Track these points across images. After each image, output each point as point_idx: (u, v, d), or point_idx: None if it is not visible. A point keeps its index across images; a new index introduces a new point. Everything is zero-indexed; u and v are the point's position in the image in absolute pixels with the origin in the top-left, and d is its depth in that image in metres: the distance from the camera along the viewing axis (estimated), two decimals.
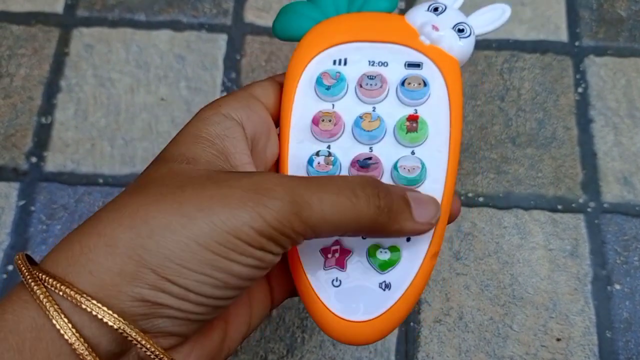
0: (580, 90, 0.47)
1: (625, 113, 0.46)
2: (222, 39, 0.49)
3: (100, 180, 0.44)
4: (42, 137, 0.45)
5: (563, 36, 0.49)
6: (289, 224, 0.22)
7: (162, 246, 0.21)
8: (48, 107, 0.46)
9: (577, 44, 0.49)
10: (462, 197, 0.44)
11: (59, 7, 0.50)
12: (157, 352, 0.22)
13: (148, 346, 0.21)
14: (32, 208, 0.43)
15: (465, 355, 0.40)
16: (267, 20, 0.49)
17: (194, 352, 0.24)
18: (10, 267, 0.42)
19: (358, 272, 0.27)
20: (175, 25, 0.49)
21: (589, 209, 0.44)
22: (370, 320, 0.27)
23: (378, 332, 0.27)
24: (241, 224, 0.21)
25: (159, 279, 0.21)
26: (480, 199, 0.44)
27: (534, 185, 0.44)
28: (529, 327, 0.40)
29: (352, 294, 0.27)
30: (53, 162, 0.45)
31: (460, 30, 0.30)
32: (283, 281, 0.29)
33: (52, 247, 0.42)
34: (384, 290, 0.27)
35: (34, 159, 0.45)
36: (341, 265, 0.27)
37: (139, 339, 0.21)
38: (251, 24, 0.49)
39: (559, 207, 0.44)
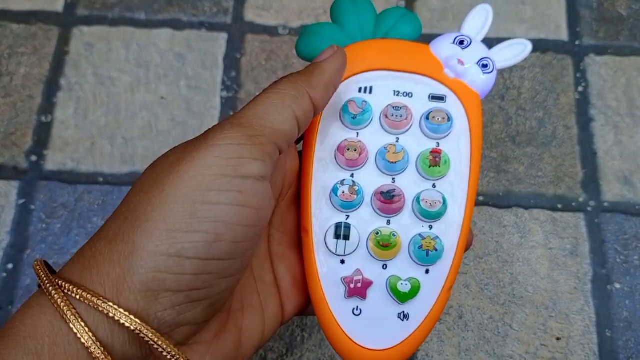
0: (580, 89, 0.47)
1: (626, 112, 0.46)
2: (222, 37, 0.49)
3: (100, 179, 0.44)
4: (42, 136, 0.45)
5: (563, 35, 0.49)
6: (242, 136, 0.23)
7: (148, 221, 0.22)
8: (48, 105, 0.46)
9: (577, 43, 0.49)
10: None
11: (59, 5, 0.50)
12: (173, 353, 0.22)
13: (165, 346, 0.22)
14: (32, 207, 0.43)
15: (465, 354, 0.40)
16: (267, 19, 0.49)
17: (209, 354, 0.25)
18: (10, 266, 0.42)
19: (378, 302, 0.28)
20: (176, 24, 0.49)
21: (589, 208, 0.44)
22: (388, 349, 0.28)
23: None
24: (202, 160, 0.22)
25: (151, 256, 0.21)
26: (480, 198, 0.44)
27: (534, 184, 0.44)
28: (528, 326, 0.40)
29: (371, 323, 0.28)
30: (53, 161, 0.45)
31: (485, 66, 0.30)
32: (294, 299, 0.29)
33: (51, 246, 0.42)
34: (403, 320, 0.28)
35: (34, 158, 0.45)
36: (363, 295, 0.28)
37: (156, 339, 0.21)
38: (251, 23, 0.49)
39: (559, 206, 0.44)
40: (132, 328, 0.21)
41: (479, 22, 0.32)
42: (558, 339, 0.40)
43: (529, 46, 0.31)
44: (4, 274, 0.41)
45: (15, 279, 0.41)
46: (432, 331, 0.40)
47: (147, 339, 0.21)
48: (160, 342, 0.22)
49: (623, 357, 0.40)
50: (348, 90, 0.30)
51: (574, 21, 0.50)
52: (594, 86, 0.47)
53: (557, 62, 0.48)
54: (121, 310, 0.21)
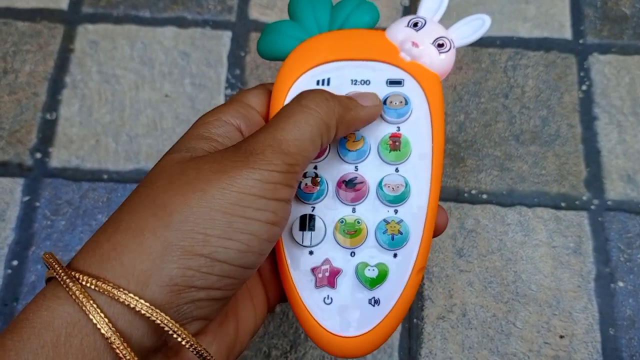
0: (584, 87, 0.47)
1: (629, 111, 0.46)
2: (226, 35, 0.49)
3: (105, 176, 0.44)
4: (47, 133, 0.46)
5: (567, 34, 0.49)
6: (282, 164, 0.24)
7: (184, 221, 0.22)
8: (53, 103, 0.46)
9: (581, 41, 0.49)
10: (466, 194, 0.44)
11: (63, 3, 0.50)
12: (192, 342, 0.23)
13: (184, 336, 0.22)
14: (37, 204, 0.44)
15: (469, 351, 0.40)
16: (271, 17, 0.49)
17: (215, 342, 0.26)
18: (15, 262, 0.42)
19: (348, 290, 0.28)
20: (180, 22, 0.49)
21: (592, 207, 0.44)
22: (361, 335, 0.28)
23: (370, 345, 0.28)
24: (244, 180, 0.23)
25: (185, 254, 0.22)
26: (484, 196, 0.44)
27: (537, 183, 0.44)
28: (532, 324, 0.40)
29: (343, 310, 0.28)
30: (58, 158, 0.45)
31: (440, 45, 0.30)
32: (273, 287, 0.30)
33: (56, 242, 0.42)
34: (374, 306, 0.28)
35: (38, 155, 0.45)
36: (332, 283, 0.28)
37: (176, 329, 0.22)
38: (255, 21, 0.49)
39: (563, 204, 0.44)
40: (153, 319, 0.21)
41: (434, 2, 0.32)
42: (561, 337, 0.40)
43: (487, 21, 0.31)
44: (9, 271, 0.42)
45: (20, 276, 0.41)
46: (436, 329, 0.40)
47: (167, 328, 0.22)
48: (180, 332, 0.22)
49: (626, 355, 0.40)
50: (306, 84, 0.30)
51: (578, 20, 0.50)
52: (597, 85, 0.47)
53: (561, 60, 0.48)
54: (142, 301, 0.21)
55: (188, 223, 0.22)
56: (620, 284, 0.42)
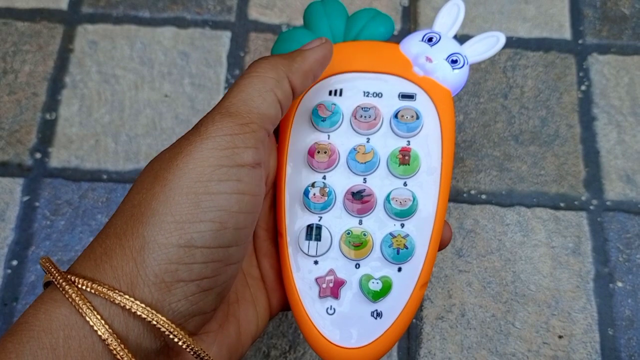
0: (583, 88, 0.47)
1: (629, 111, 0.46)
2: (226, 36, 0.49)
3: (104, 176, 0.44)
4: (47, 133, 0.46)
5: (566, 34, 0.49)
6: (233, 125, 0.24)
7: (154, 215, 0.22)
8: (52, 103, 0.47)
9: (580, 42, 0.49)
10: (465, 194, 0.44)
11: (63, 3, 0.50)
12: (188, 342, 0.23)
13: (180, 336, 0.22)
14: (37, 204, 0.44)
15: (468, 351, 0.40)
16: (271, 18, 0.49)
17: (216, 343, 0.26)
18: (15, 262, 0.42)
19: (351, 301, 0.28)
20: (179, 22, 0.49)
21: (591, 207, 0.44)
22: (362, 347, 0.28)
23: (370, 358, 0.28)
24: (199, 153, 0.23)
25: (162, 248, 0.22)
26: (483, 196, 0.44)
27: (536, 183, 0.44)
28: (531, 324, 0.41)
29: (345, 321, 0.28)
30: (57, 158, 0.45)
31: (454, 62, 0.30)
32: (277, 294, 0.30)
33: (55, 242, 0.42)
34: (376, 318, 0.28)
35: (38, 155, 0.45)
36: (335, 294, 0.28)
37: (172, 329, 0.22)
38: (255, 21, 0.49)
39: (562, 204, 0.44)
40: (149, 319, 0.21)
41: (450, 18, 0.32)
42: (560, 337, 0.40)
43: (502, 38, 0.31)
44: (9, 271, 0.42)
45: (19, 276, 0.41)
46: (435, 329, 0.40)
47: (163, 329, 0.22)
48: (176, 333, 0.22)
49: (625, 355, 0.40)
50: (318, 93, 0.30)
51: (577, 20, 0.50)
52: (596, 85, 0.47)
53: (560, 60, 0.48)
54: (137, 302, 0.21)
55: (157, 215, 0.22)
56: (619, 284, 0.42)
